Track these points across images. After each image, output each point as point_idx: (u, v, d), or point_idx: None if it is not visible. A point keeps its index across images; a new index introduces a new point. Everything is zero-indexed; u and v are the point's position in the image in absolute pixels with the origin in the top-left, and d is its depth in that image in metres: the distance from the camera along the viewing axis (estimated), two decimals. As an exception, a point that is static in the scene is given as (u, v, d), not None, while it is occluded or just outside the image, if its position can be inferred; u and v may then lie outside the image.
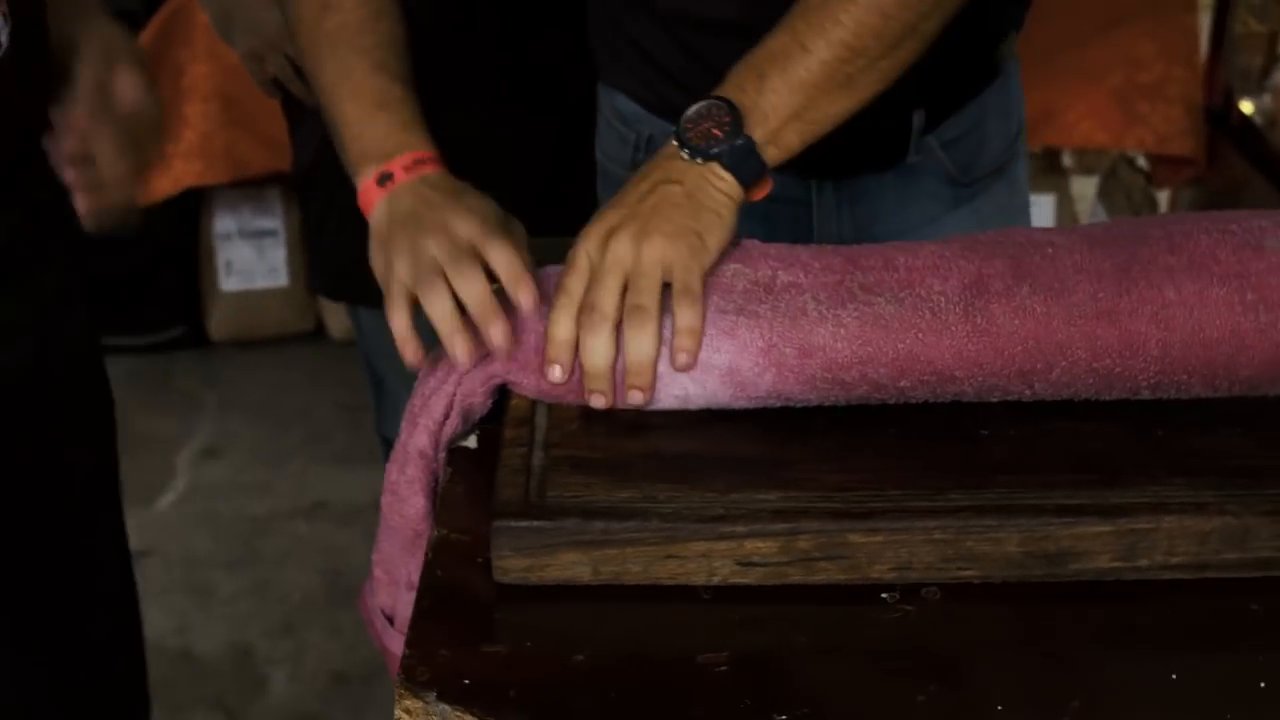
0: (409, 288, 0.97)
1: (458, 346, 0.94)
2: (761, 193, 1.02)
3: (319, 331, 3.03)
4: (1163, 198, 3.05)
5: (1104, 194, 3.05)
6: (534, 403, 0.95)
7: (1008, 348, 0.93)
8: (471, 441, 0.98)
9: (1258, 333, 0.94)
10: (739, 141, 0.99)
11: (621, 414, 0.95)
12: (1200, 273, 0.94)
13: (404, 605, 0.98)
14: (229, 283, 2.94)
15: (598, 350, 0.93)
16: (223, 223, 2.90)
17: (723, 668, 0.80)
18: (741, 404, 0.95)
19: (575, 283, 0.96)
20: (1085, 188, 3.06)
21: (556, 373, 0.94)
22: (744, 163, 1.00)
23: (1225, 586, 0.86)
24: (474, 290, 0.95)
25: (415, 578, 0.95)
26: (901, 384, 0.93)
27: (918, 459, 0.90)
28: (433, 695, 0.77)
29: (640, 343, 0.93)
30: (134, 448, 2.73)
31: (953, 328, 0.92)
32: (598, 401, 0.94)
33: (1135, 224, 1.00)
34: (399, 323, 0.97)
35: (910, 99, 1.22)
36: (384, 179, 1.04)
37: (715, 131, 0.99)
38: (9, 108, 1.01)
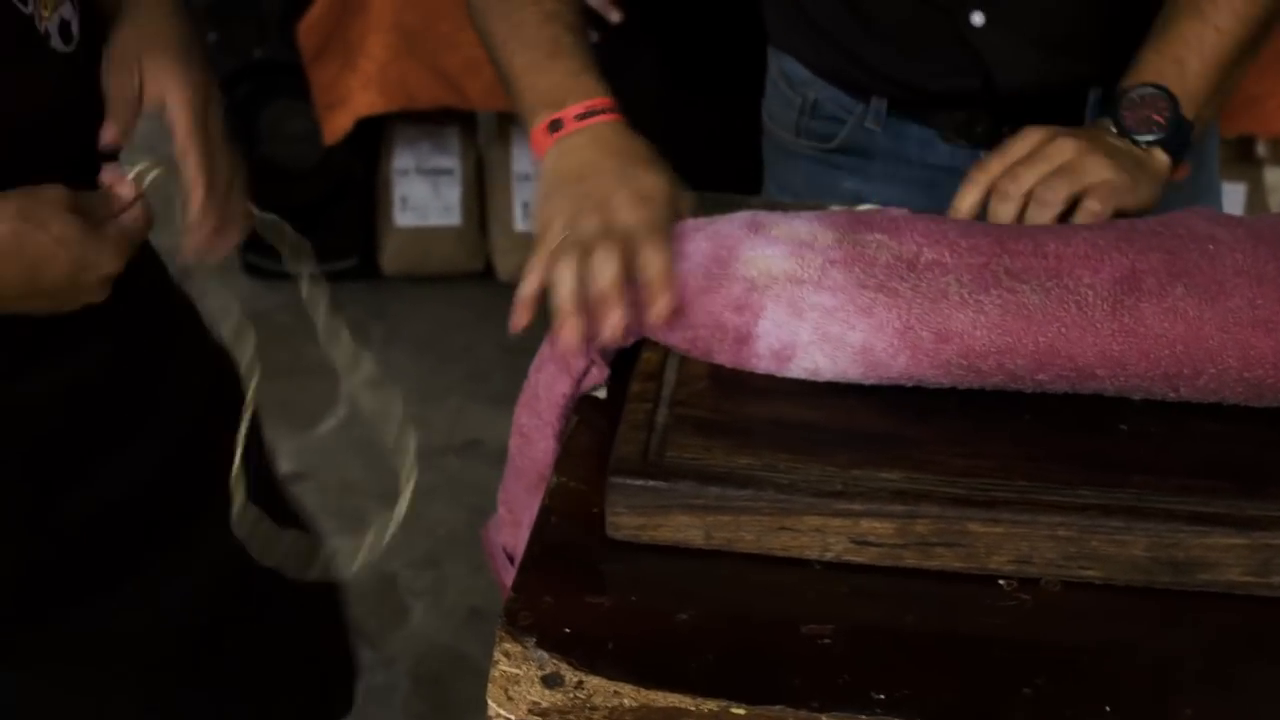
0: (551, 256, 0.96)
1: (566, 330, 0.93)
2: (1184, 173, 1.10)
3: (487, 272, 3.06)
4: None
5: (1298, 187, 2.93)
6: (664, 358, 0.95)
7: (1154, 350, 0.89)
8: (601, 392, 0.98)
9: None
10: (1179, 126, 1.07)
11: (751, 378, 0.94)
12: (1371, 283, 0.90)
13: (524, 545, 0.99)
14: (403, 218, 2.98)
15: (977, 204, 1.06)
16: (401, 159, 2.95)
17: (826, 640, 0.79)
18: (871, 382, 0.93)
19: (997, 164, 1.06)
20: (1279, 178, 2.95)
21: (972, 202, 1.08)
22: (1182, 145, 1.08)
23: (1364, 611, 0.83)
24: (605, 276, 0.93)
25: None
26: (1039, 377, 0.90)
27: (1050, 450, 0.88)
28: (532, 641, 0.78)
29: (1041, 211, 1.04)
30: (301, 373, 2.82)
31: (1098, 325, 0.90)
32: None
33: (1307, 222, 0.95)
34: (526, 287, 0.96)
35: (1086, 75, 1.19)
36: (554, 126, 1.04)
37: (1155, 117, 1.07)
38: (82, 106, 1.01)
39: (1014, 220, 1.03)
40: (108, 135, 1.01)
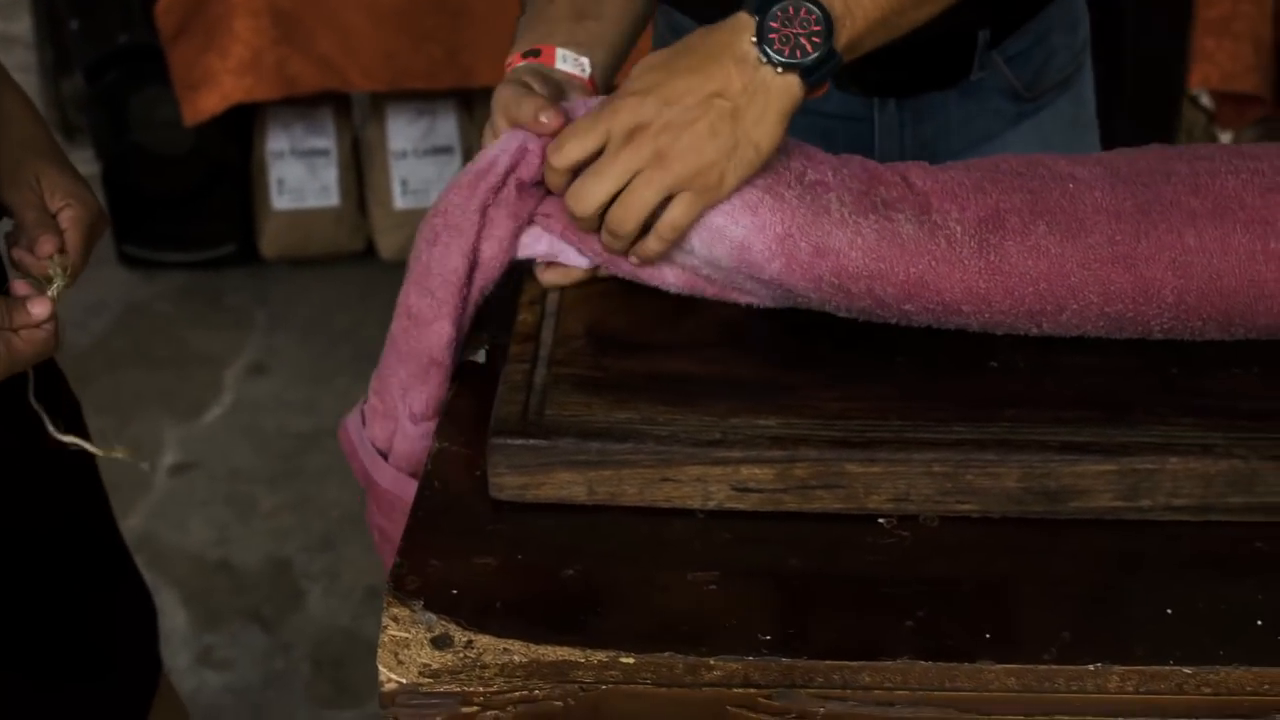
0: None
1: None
2: (821, 92, 0.96)
3: (369, 252, 3.03)
4: (1225, 139, 2.99)
5: (1165, 134, 2.99)
6: (541, 319, 0.95)
7: (1018, 287, 0.91)
8: (480, 356, 0.98)
9: (1279, 282, 0.92)
10: (828, 57, 0.92)
11: (628, 333, 0.94)
12: (1224, 217, 0.92)
13: (404, 439, 0.97)
14: (281, 201, 2.94)
15: (593, 195, 0.93)
16: (275, 141, 2.91)
17: (711, 586, 0.80)
18: (740, 281, 0.94)
19: (614, 125, 0.93)
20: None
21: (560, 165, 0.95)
22: (821, 77, 0.94)
23: (1230, 528, 0.85)
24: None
25: (420, 409, 0.95)
26: (906, 307, 0.92)
27: (922, 389, 0.90)
28: (420, 604, 0.78)
29: (628, 214, 0.93)
30: (183, 363, 2.79)
31: (965, 262, 0.91)
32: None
33: (1164, 156, 0.97)
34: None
35: (976, 18, 1.20)
36: (530, 54, 1.05)
37: (805, 42, 0.91)
38: None
39: (605, 197, 0.93)
40: (47, 247, 0.98)
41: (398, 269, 0.97)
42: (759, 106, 0.92)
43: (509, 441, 0.84)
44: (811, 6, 0.91)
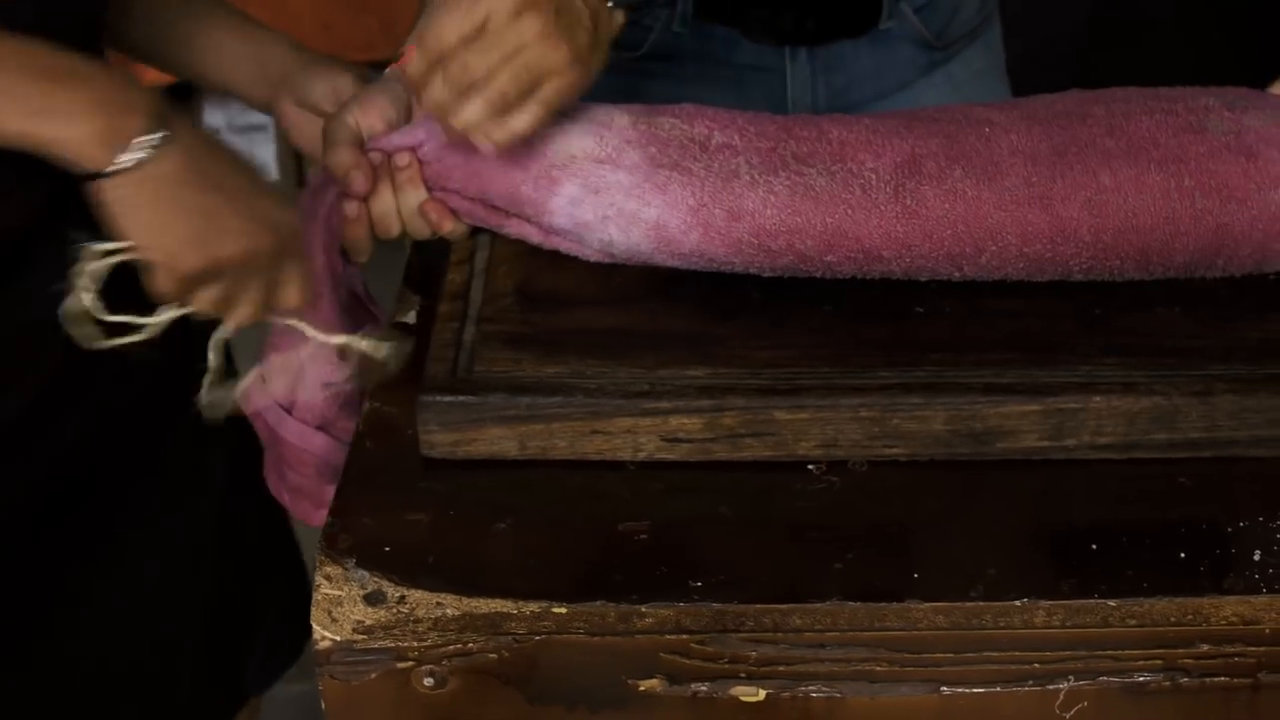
0: None
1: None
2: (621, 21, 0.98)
3: (311, 227, 3.03)
4: None
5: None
6: (469, 278, 0.95)
7: (936, 230, 0.92)
8: (410, 317, 0.98)
9: (1193, 219, 0.93)
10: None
11: (557, 290, 0.95)
12: (1138, 157, 0.93)
13: (305, 391, 0.96)
14: (219, 178, 2.93)
15: (439, 91, 0.91)
16: (211, 117, 2.88)
17: (642, 536, 0.81)
18: (663, 259, 0.94)
19: (467, 24, 0.90)
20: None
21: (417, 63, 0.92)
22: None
23: (1153, 464, 0.86)
24: None
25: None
26: (828, 258, 0.93)
27: (849, 336, 0.90)
28: (352, 561, 0.78)
29: (473, 111, 0.91)
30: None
31: (882, 207, 0.92)
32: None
33: (1081, 100, 0.98)
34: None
35: None
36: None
37: None
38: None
39: (449, 104, 0.91)
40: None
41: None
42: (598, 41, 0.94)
43: (439, 399, 0.84)
44: None
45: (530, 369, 0.87)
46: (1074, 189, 0.92)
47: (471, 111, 0.91)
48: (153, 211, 0.81)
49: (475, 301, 0.93)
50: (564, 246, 0.96)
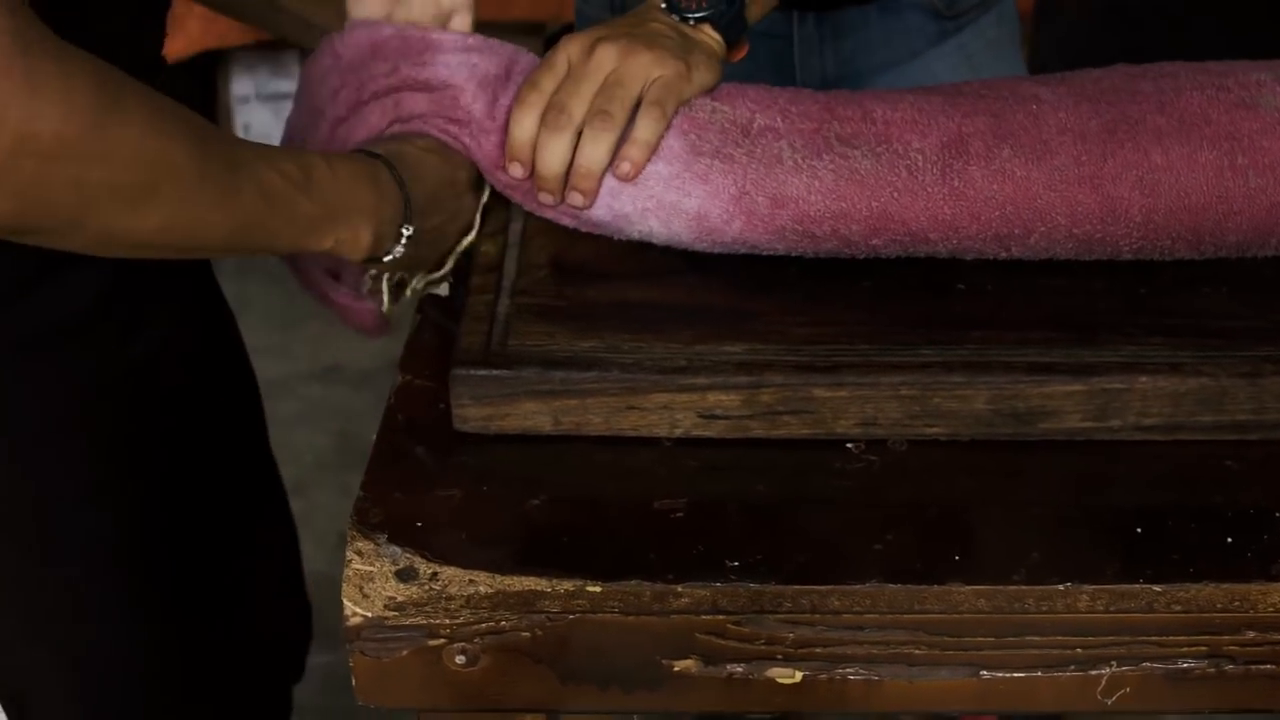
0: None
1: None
2: (740, 54, 1.01)
3: (338, 197, 3.02)
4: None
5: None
6: (503, 250, 0.94)
7: (984, 212, 0.90)
8: (443, 289, 0.97)
9: (1246, 197, 0.91)
10: (730, 3, 0.98)
11: (592, 262, 0.93)
12: (1190, 134, 0.91)
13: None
14: (247, 147, 2.92)
15: (555, 154, 0.92)
16: (240, 85, 2.88)
17: (679, 514, 0.79)
18: (704, 247, 0.93)
19: (548, 80, 0.94)
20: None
21: (517, 170, 0.93)
22: (732, 24, 0.99)
23: (1199, 446, 0.85)
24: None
25: None
26: (873, 242, 0.91)
27: (889, 313, 0.89)
28: (384, 537, 0.77)
29: (595, 148, 0.91)
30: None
31: (929, 189, 0.90)
32: (545, 200, 0.94)
33: (1129, 75, 0.96)
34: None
35: None
36: None
37: None
38: None
39: (569, 154, 0.93)
40: None
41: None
42: (690, 45, 0.96)
43: (472, 372, 0.83)
44: None
45: (564, 343, 0.85)
46: (1124, 168, 0.90)
47: (592, 149, 0.91)
48: (416, 256, 0.93)
49: (509, 273, 0.92)
50: (606, 233, 0.95)
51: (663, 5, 0.98)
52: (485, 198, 0.98)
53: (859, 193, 0.90)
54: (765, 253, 0.93)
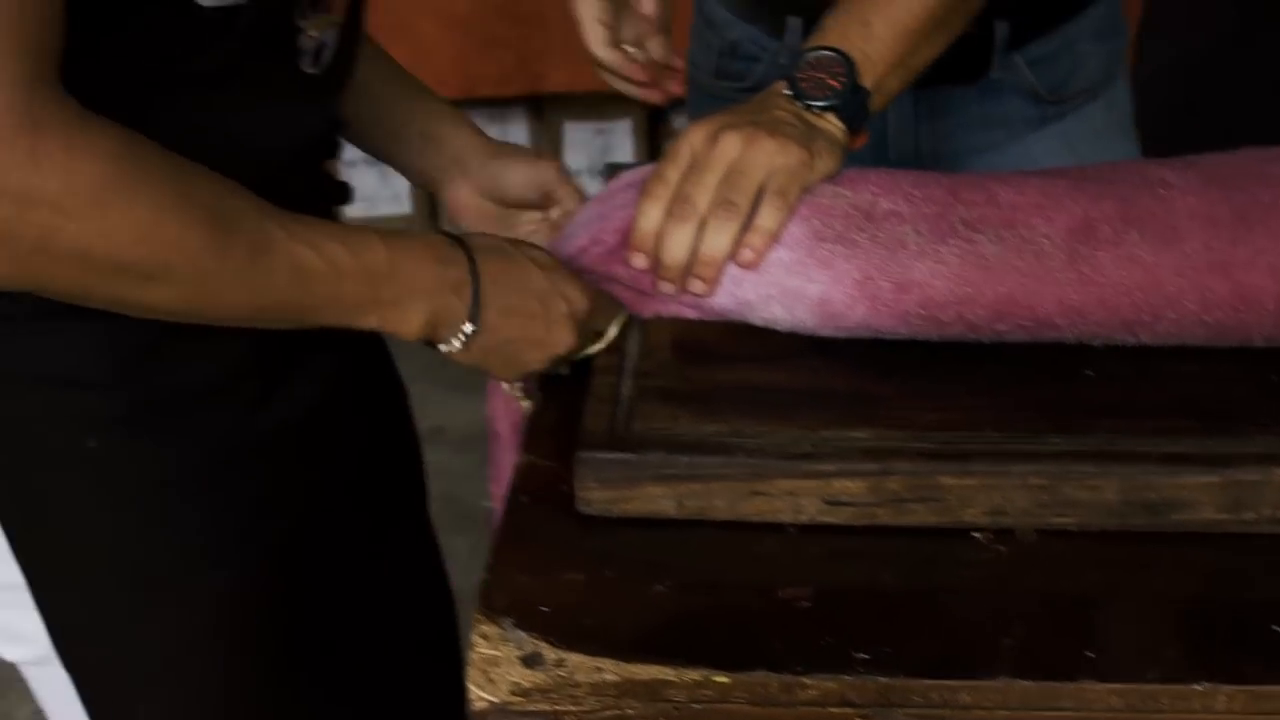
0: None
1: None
2: (862, 141, 1.02)
3: (441, 259, 3.05)
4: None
5: None
6: (625, 330, 0.94)
7: (1113, 298, 0.89)
8: (565, 368, 0.97)
9: (1385, 282, 0.89)
10: (855, 93, 0.99)
11: (714, 344, 0.93)
12: (1324, 219, 0.90)
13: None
14: (353, 208, 2.95)
15: (680, 244, 0.93)
16: (347, 149, 2.92)
17: (805, 603, 0.78)
18: (827, 332, 0.93)
19: (673, 172, 0.95)
20: None
21: (639, 261, 0.95)
22: (856, 112, 1.00)
23: (1338, 542, 0.83)
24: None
25: None
26: (998, 327, 0.90)
27: (1016, 399, 0.88)
28: (509, 621, 0.77)
29: (719, 238, 0.92)
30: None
31: (1056, 274, 0.89)
32: (665, 289, 0.95)
33: (1258, 159, 0.95)
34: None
35: (992, 8, 1.19)
36: None
37: (831, 82, 0.99)
38: (316, 135, 1.00)
39: (693, 243, 0.93)
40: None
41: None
42: (813, 133, 0.97)
43: (597, 455, 0.83)
44: (830, 53, 0.99)
45: (689, 426, 0.85)
46: (1256, 254, 0.89)
47: (715, 238, 0.93)
48: (483, 361, 0.93)
49: (632, 354, 0.92)
50: (697, 290, 0.95)
51: (787, 92, 0.99)
52: (599, 347, 0.95)
53: (984, 277, 0.90)
54: (888, 336, 0.92)
